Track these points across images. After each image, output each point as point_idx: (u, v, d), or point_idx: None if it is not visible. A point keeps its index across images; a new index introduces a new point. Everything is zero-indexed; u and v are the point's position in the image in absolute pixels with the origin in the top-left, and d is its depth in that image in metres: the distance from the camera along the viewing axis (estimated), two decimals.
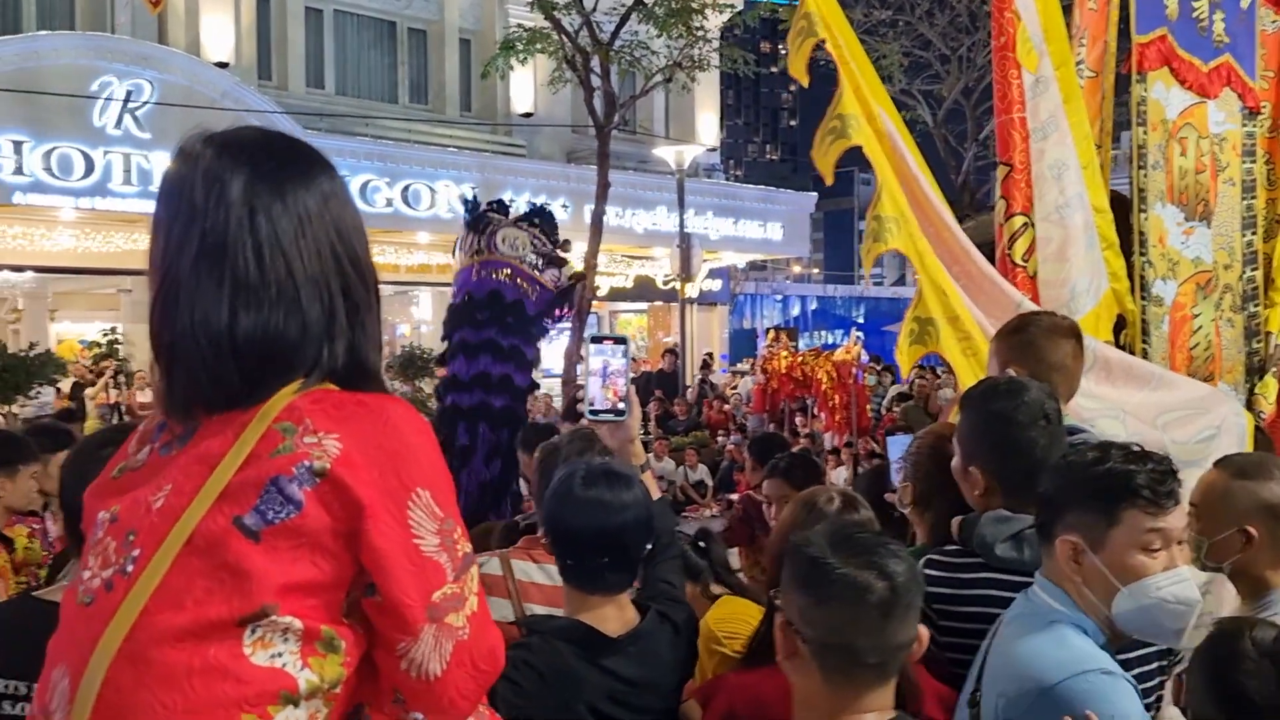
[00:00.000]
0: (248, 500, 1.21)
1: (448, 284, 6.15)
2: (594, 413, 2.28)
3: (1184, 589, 1.83)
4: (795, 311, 31.05)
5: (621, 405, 2.27)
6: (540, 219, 5.50)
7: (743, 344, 25.25)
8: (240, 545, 1.20)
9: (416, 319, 20.34)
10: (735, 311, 26.65)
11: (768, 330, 24.05)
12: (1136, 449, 1.90)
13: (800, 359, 14.44)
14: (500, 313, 5.26)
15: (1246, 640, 1.97)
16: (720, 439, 14.97)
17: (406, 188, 16.42)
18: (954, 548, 2.27)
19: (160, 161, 13.73)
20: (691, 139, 20.07)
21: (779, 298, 31.23)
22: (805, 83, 3.36)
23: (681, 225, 16.73)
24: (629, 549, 2.11)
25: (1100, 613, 1.85)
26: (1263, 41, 4.46)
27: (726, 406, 16.68)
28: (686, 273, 16.86)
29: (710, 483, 13.47)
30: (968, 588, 2.18)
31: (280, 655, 1.20)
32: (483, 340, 5.30)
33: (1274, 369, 4.35)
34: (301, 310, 1.28)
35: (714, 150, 22.68)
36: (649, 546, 2.17)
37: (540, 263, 5.36)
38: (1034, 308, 3.22)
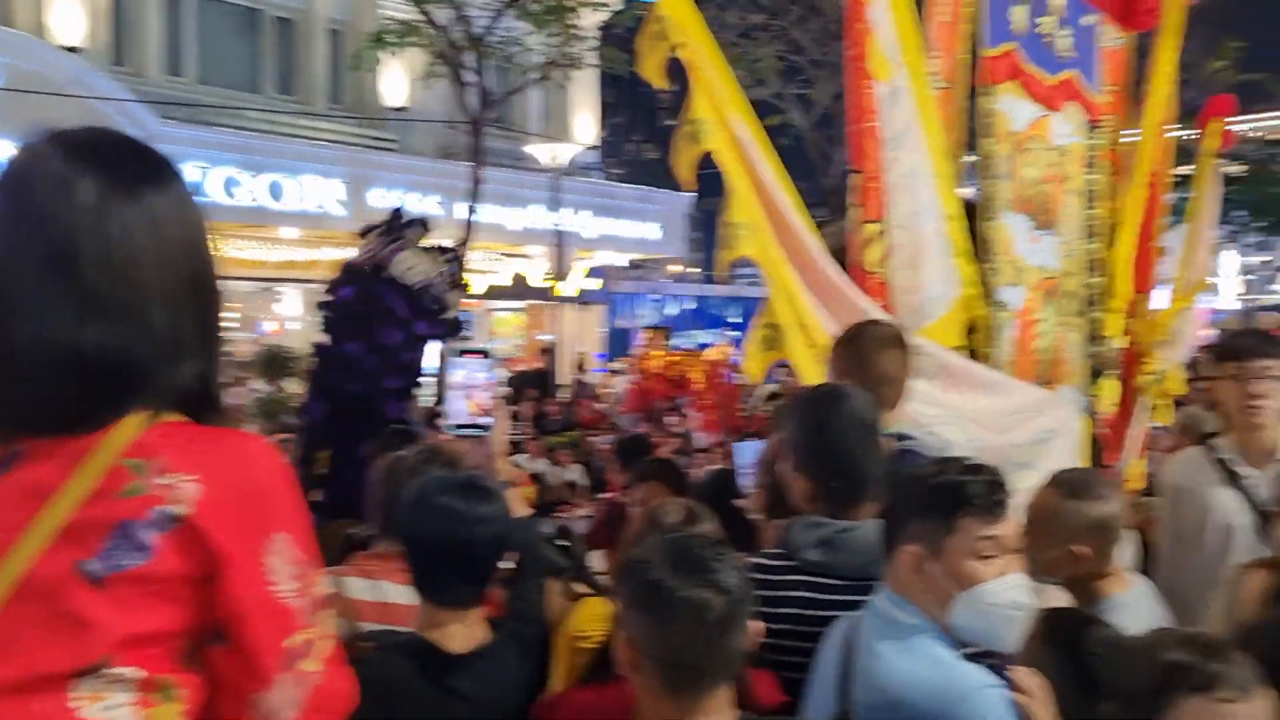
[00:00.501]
0: (93, 544, 1.11)
1: (314, 280, 6.00)
2: (457, 426, 2.23)
3: (1017, 594, 1.90)
4: (672, 311, 31.23)
5: (485, 420, 2.23)
6: (450, 261, 5.45)
7: (620, 343, 25.29)
8: (82, 593, 1.10)
9: (282, 316, 19.74)
10: (612, 310, 26.69)
11: (642, 329, 24.16)
12: (971, 462, 1.97)
13: (674, 359, 14.58)
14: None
15: (1092, 629, 2.06)
16: (594, 438, 14.98)
17: (271, 182, 15.91)
18: (777, 551, 2.34)
19: (4, 151, 12.97)
20: (567, 137, 20.01)
21: (656, 296, 31.37)
22: (662, 86, 3.36)
23: (556, 224, 16.68)
24: (482, 562, 2.08)
25: (943, 620, 1.90)
26: (1106, 57, 4.66)
27: (600, 406, 16.71)
28: (560, 271, 16.83)
29: (583, 482, 13.46)
30: (781, 589, 2.23)
31: (113, 708, 1.11)
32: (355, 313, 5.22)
33: (1112, 371, 4.56)
34: (149, 324, 1.18)
35: (594, 148, 22.68)
36: (513, 565, 2.13)
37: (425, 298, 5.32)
38: (883, 315, 3.28)
